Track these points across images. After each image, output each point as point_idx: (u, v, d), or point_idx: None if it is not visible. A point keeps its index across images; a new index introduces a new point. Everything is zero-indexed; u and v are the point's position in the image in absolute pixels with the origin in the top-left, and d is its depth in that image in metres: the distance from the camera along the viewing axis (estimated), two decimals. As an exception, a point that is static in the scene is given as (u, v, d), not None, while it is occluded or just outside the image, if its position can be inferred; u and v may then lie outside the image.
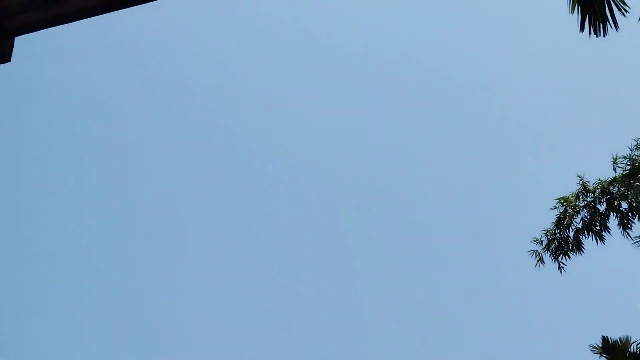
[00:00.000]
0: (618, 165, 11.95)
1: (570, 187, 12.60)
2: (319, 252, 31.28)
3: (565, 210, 12.52)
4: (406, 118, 34.68)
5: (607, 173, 12.19)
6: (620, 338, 11.91)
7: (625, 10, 8.40)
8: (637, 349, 12.01)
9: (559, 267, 12.62)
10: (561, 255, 12.64)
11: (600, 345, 11.86)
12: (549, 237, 12.74)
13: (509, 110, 35.59)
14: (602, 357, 11.86)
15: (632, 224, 12.00)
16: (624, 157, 11.73)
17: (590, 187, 12.32)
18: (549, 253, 12.78)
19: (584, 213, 12.37)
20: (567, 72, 35.71)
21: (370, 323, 29.30)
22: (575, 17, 8.64)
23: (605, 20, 8.50)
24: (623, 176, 11.84)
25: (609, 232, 12.37)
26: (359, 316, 29.46)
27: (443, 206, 34.55)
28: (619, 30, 8.44)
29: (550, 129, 35.04)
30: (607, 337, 11.97)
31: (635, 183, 11.69)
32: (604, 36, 8.47)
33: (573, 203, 12.47)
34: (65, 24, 3.32)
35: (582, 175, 12.28)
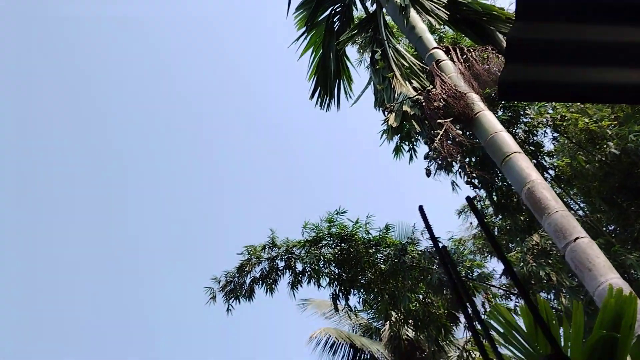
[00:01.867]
0: (306, 230, 12.96)
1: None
2: None
3: (250, 258, 13.08)
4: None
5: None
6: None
7: (350, 96, 9.47)
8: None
9: (228, 309, 13.00)
10: (233, 298, 13.07)
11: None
12: (227, 278, 13.12)
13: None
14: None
15: (301, 286, 13.03)
16: (313, 224, 12.79)
17: (277, 243, 13.08)
18: (224, 294, 13.14)
19: (264, 264, 13.05)
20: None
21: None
22: (310, 84, 9.51)
23: (332, 98, 9.43)
24: (307, 241, 12.86)
25: (278, 290, 13.20)
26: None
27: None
28: (339, 110, 9.45)
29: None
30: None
31: (314, 250, 12.78)
32: (326, 110, 9.39)
33: (258, 253, 13.09)
34: None
35: (273, 230, 12.99)
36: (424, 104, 6.74)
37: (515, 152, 5.74)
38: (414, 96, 7.22)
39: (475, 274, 12.45)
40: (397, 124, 7.07)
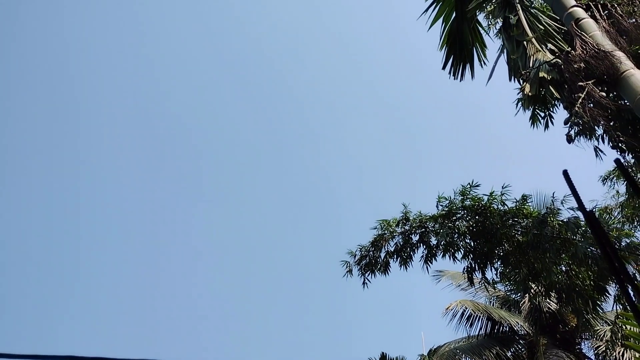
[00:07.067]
0: (440, 204, 12.87)
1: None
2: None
3: (383, 233, 13.25)
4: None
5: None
6: (397, 357, 12.93)
7: (484, 63, 9.21)
8: (407, 369, 13.07)
9: (364, 282, 13.30)
10: (368, 272, 13.35)
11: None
12: (362, 252, 13.40)
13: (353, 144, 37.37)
14: (376, 371, 12.78)
15: (435, 260, 13.02)
16: (445, 198, 12.67)
17: (410, 217, 13.12)
18: (359, 267, 13.45)
19: (398, 239, 13.17)
20: (441, 103, 38.48)
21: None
22: (441, 55, 9.36)
23: (465, 67, 9.24)
24: (440, 215, 12.78)
25: (412, 263, 13.26)
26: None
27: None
28: (473, 79, 9.23)
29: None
30: (385, 354, 12.93)
31: (448, 224, 12.68)
32: (460, 80, 9.21)
33: (392, 227, 13.22)
34: None
35: (406, 205, 13.04)
36: (562, 66, 6.41)
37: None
38: (552, 60, 6.89)
39: (624, 243, 11.73)
40: (534, 92, 6.79)
